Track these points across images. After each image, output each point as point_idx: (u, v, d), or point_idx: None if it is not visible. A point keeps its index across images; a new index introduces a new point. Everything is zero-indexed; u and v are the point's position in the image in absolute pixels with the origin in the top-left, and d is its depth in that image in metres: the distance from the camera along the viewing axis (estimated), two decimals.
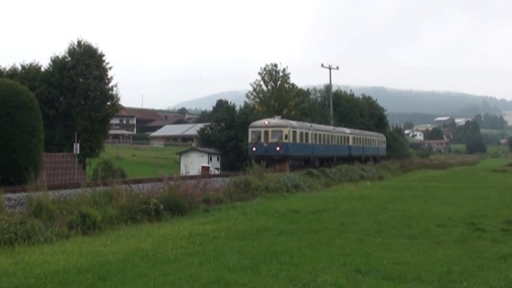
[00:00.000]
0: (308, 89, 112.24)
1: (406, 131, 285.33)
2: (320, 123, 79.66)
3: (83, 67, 55.53)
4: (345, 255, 15.93)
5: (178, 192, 27.45)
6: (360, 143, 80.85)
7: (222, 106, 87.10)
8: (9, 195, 22.48)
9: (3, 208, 20.52)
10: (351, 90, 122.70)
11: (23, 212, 20.94)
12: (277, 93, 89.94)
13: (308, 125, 65.17)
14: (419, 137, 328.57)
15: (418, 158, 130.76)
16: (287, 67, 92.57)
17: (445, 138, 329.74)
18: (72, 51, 57.13)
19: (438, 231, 20.92)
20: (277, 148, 55.58)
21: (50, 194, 22.82)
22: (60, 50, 75.58)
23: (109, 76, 58.23)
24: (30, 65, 57.64)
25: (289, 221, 24.13)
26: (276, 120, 59.23)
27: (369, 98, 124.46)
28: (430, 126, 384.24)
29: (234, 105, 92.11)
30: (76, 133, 48.35)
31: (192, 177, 35.29)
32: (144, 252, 16.68)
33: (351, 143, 76.67)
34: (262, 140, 56.93)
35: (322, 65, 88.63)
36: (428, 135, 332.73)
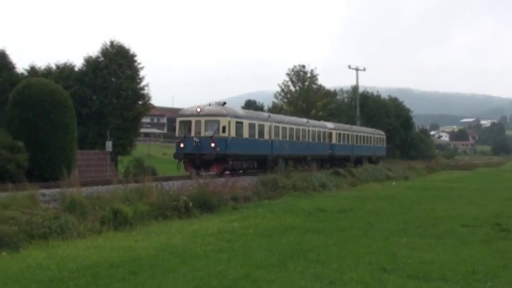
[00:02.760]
0: (335, 90, 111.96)
1: (432, 132, 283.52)
2: (347, 123, 78.11)
3: (115, 67, 55.82)
4: (371, 254, 15.87)
5: (207, 190, 27.52)
6: (347, 140, 66.54)
7: (251, 106, 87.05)
8: (43, 191, 22.68)
9: (38, 203, 20.72)
10: (377, 92, 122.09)
11: (57, 207, 21.11)
12: (305, 94, 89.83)
13: (265, 115, 49.79)
14: (445, 138, 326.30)
15: (444, 159, 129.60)
16: (315, 68, 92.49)
17: (471, 140, 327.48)
18: (105, 51, 57.45)
19: (463, 232, 20.75)
20: (212, 144, 39.70)
21: (83, 190, 22.98)
22: (94, 50, 76.30)
23: (140, 76, 58.52)
24: (65, 64, 58.04)
25: (315, 219, 24.09)
26: (211, 107, 42.23)
27: (395, 99, 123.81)
28: (455, 128, 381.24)
29: (262, 105, 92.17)
30: (108, 131, 48.64)
31: (220, 176, 35.41)
32: (174, 248, 16.74)
33: (334, 140, 62.28)
34: (193, 133, 41.13)
35: (349, 67, 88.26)
36: (454, 136, 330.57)
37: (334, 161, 60.43)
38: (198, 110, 41.25)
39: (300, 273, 13.40)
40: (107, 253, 15.98)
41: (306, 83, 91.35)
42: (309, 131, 55.20)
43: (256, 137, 44.75)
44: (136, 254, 15.78)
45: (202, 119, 41.03)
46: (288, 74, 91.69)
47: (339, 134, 63.98)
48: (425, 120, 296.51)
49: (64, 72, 56.17)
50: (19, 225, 17.91)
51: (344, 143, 65.19)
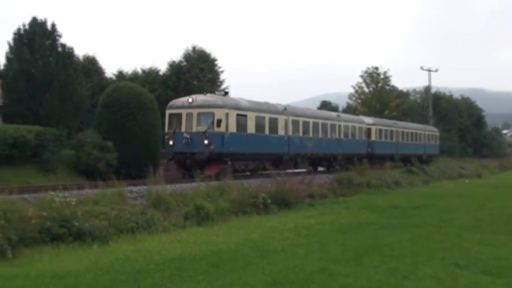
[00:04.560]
0: (408, 91, 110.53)
1: (505, 131, 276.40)
2: (420, 123, 76.47)
3: (197, 71, 56.50)
4: (444, 250, 15.59)
5: (285, 187, 27.54)
6: (390, 137, 57.69)
7: (326, 107, 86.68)
8: (131, 188, 23.04)
9: (126, 200, 21.12)
10: (449, 92, 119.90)
11: (143, 203, 21.48)
12: (378, 95, 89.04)
13: (280, 107, 39.70)
14: None
15: None
16: (388, 70, 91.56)
17: None
18: (187, 56, 58.23)
19: None
20: (205, 142, 32.05)
21: (167, 187, 23.31)
22: (177, 55, 77.23)
23: (221, 79, 59.08)
24: (150, 69, 59.14)
25: (389, 216, 23.83)
26: (205, 97, 34.49)
27: (467, 98, 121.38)
28: None
29: (337, 106, 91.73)
30: None
31: (298, 174, 35.35)
32: (253, 243, 16.81)
33: (373, 137, 53.54)
34: (183, 128, 33.38)
35: (421, 68, 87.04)
36: None
37: (373, 160, 51.18)
38: (190, 100, 33.59)
39: (375, 268, 13.27)
40: (190, 247, 16.15)
41: (379, 84, 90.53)
42: (339, 126, 46.75)
43: (267, 132, 36.74)
44: (218, 248, 15.90)
45: (195, 111, 33.17)
46: (361, 76, 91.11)
47: (379, 130, 55.53)
48: (498, 119, 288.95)
49: (149, 76, 57.16)
50: (109, 220, 18.32)
51: (386, 140, 56.77)
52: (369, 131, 52.86)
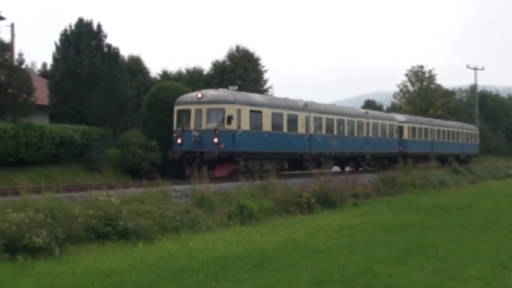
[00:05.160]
0: (453, 89, 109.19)
1: None
2: (466, 122, 75.08)
3: (241, 70, 56.56)
4: (491, 251, 15.37)
5: (328, 186, 27.48)
6: (425, 136, 54.48)
7: (370, 106, 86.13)
8: (175, 187, 23.18)
9: (171, 199, 21.29)
10: (496, 90, 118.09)
11: (187, 202, 21.63)
12: (423, 94, 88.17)
13: (300, 103, 37.05)
14: None
15: None
16: (433, 68, 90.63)
17: None
18: (231, 56, 58.36)
19: None
20: (215, 140, 29.81)
21: (211, 186, 23.43)
22: (221, 54, 77.77)
23: (264, 78, 59.11)
24: (194, 68, 59.35)
25: (434, 216, 23.62)
26: (215, 92, 32.31)
27: None
28: None
29: (381, 105, 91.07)
30: None
31: (341, 173, 35.20)
32: (297, 242, 16.82)
33: (406, 135, 50.44)
34: (192, 125, 31.14)
35: (467, 66, 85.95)
36: None
37: (406, 159, 47.47)
38: (199, 95, 31.29)
39: (419, 268, 13.16)
40: (234, 246, 16.22)
41: (424, 83, 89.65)
42: (368, 123, 44.06)
43: (285, 130, 34.23)
44: (262, 248, 15.93)
45: (204, 107, 30.89)
46: (406, 74, 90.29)
47: (413, 128, 52.37)
48: None
49: (194, 76, 57.39)
50: (153, 218, 18.50)
51: (420, 138, 53.59)
52: (400, 129, 50.05)
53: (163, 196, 21.08)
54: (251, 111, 31.42)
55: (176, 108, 32.24)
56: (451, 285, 11.75)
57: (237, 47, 58.97)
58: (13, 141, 28.98)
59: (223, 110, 30.29)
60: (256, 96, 34.45)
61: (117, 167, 33.86)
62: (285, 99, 36.71)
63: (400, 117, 52.27)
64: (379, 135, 45.66)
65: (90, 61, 36.57)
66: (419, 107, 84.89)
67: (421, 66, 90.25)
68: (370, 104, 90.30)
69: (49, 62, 43.72)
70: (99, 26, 38.59)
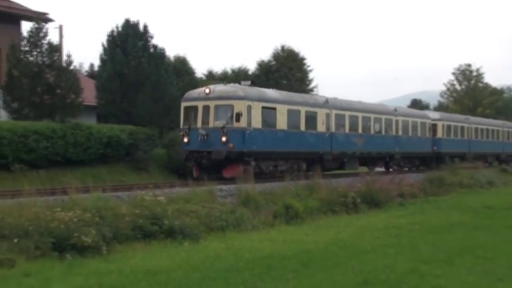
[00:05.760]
0: (502, 88, 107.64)
1: None
2: None
3: (286, 70, 56.60)
4: None
5: (374, 186, 27.32)
6: (461, 134, 51.05)
7: (416, 105, 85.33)
8: (221, 186, 23.26)
9: (216, 198, 21.39)
10: None
11: (233, 202, 21.70)
12: (471, 93, 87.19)
13: (321, 99, 35.03)
14: None
15: None
16: (481, 67, 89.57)
17: None
18: (276, 56, 58.45)
19: None
20: (223, 139, 27.39)
21: (256, 186, 23.46)
22: (266, 54, 77.89)
23: (309, 78, 59.06)
24: (239, 68, 59.58)
25: (483, 216, 23.29)
26: (223, 87, 29.80)
27: None
28: None
29: (427, 104, 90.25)
30: None
31: (387, 173, 34.92)
32: (342, 242, 16.76)
33: (440, 134, 47.26)
34: (199, 123, 28.83)
35: None
36: None
37: (440, 159, 45.65)
38: (207, 91, 29.01)
39: (467, 269, 13.00)
40: (279, 245, 16.23)
41: (472, 82, 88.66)
42: (397, 121, 41.20)
43: (303, 128, 31.72)
44: (307, 247, 15.91)
45: (212, 104, 28.56)
46: (453, 73, 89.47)
47: (447, 126, 48.92)
48: None
49: (239, 76, 57.48)
50: (199, 218, 18.62)
51: (456, 137, 50.20)
52: (434, 127, 46.82)
53: (209, 196, 21.19)
54: (264, 107, 29.19)
55: (183, 104, 30.05)
56: (499, 286, 11.59)
57: (282, 47, 59.04)
58: (61, 141, 29.42)
59: (231, 107, 28.03)
60: (269, 92, 32.12)
61: (163, 166, 34.10)
62: (303, 95, 35.06)
63: (434, 114, 49.83)
64: (410, 133, 43.06)
65: (136, 62, 36.90)
66: (466, 106, 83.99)
67: (469, 65, 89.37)
68: (416, 103, 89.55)
69: (96, 63, 44.22)
70: (145, 27, 38.94)
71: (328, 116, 33.49)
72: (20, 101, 32.09)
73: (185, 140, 28.70)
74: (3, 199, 16.06)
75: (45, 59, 32.62)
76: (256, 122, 28.46)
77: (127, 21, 38.72)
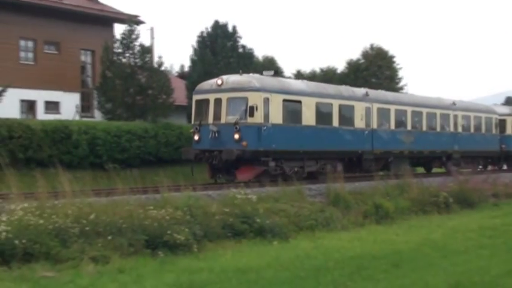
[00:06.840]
0: None
1: None
2: None
3: (375, 68, 56.11)
4: None
5: (467, 186, 26.75)
6: None
7: (511, 103, 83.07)
8: (310, 186, 23.22)
9: (305, 197, 21.37)
10: None
11: (322, 201, 21.64)
12: None
13: (359, 91, 31.17)
14: None
15: None
16: None
17: None
18: (365, 54, 58.02)
19: None
20: (236, 136, 24.01)
21: (346, 185, 23.32)
22: (355, 54, 77.23)
23: (399, 76, 58.38)
24: (327, 68, 59.48)
25: None
26: (237, 78, 25.80)
27: None
28: None
29: None
30: None
31: (480, 172, 34.07)
32: (434, 243, 16.49)
33: (509, 130, 41.82)
34: (211, 118, 25.43)
35: None
36: None
37: (510, 158, 41.59)
38: (219, 82, 25.36)
39: None
40: (369, 245, 16.10)
41: None
42: (455, 116, 36.50)
43: (336, 124, 28.02)
44: (398, 247, 15.73)
45: (224, 96, 25.04)
46: None
47: None
48: None
49: (327, 75, 57.42)
50: (288, 217, 18.67)
51: None
52: (502, 123, 41.43)
53: (298, 195, 21.18)
54: (285, 100, 25.58)
55: (194, 97, 26.90)
56: None
57: (371, 45, 58.58)
58: (153, 141, 30.11)
59: (245, 99, 24.53)
60: (293, 83, 28.87)
61: None
62: (337, 86, 31.36)
63: (502, 109, 44.43)
64: (472, 130, 38.17)
65: (226, 62, 37.35)
66: None
67: None
68: (511, 101, 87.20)
69: (186, 64, 44.99)
70: (234, 27, 39.40)
71: (368, 110, 29.85)
72: (113, 101, 33.02)
73: (195, 137, 25.53)
74: (98, 197, 16.46)
75: (137, 60, 33.49)
76: (276, 117, 25.01)
77: (216, 22, 39.27)
